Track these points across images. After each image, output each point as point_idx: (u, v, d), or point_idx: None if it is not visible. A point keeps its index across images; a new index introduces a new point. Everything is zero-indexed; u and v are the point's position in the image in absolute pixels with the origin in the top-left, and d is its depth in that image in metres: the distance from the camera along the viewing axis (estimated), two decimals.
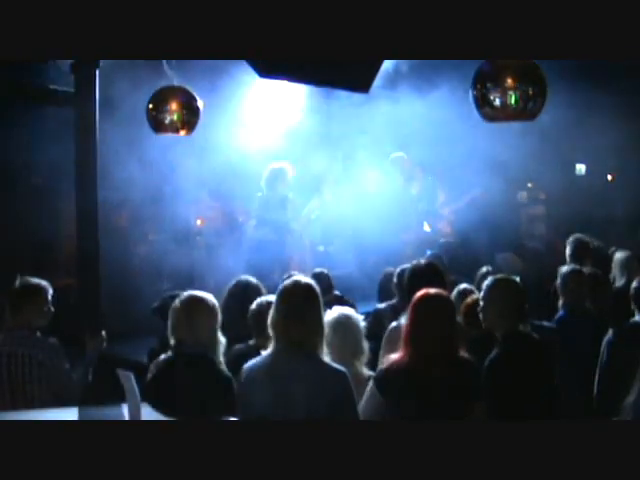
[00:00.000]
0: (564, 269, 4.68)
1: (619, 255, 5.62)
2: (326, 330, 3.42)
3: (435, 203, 8.52)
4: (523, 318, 3.52)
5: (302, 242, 7.64)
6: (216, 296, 3.60)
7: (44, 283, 4.04)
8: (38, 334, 3.86)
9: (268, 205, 7.51)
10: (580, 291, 4.51)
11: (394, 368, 3.16)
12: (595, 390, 3.96)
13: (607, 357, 3.91)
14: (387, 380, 3.14)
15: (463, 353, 3.21)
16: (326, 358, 3.06)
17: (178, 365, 3.27)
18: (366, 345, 3.65)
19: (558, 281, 4.61)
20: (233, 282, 4.55)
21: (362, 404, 3.15)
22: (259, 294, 4.14)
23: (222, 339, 3.37)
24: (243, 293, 4.19)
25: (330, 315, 3.60)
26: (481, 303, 3.61)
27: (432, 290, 3.27)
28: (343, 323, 3.58)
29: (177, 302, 3.40)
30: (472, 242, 7.54)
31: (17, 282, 4.01)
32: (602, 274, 5.20)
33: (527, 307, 3.55)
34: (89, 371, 4.04)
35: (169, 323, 3.39)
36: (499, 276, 3.72)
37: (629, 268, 5.37)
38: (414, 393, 3.06)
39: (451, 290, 4.36)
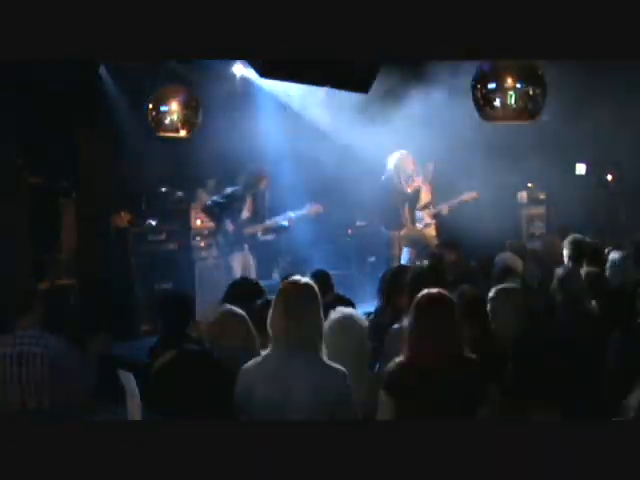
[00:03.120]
0: (561, 269, 4.68)
1: (614, 255, 5.62)
2: (329, 330, 3.43)
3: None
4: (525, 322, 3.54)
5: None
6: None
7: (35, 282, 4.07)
8: (47, 335, 3.86)
9: (235, 204, 7.50)
10: (578, 291, 4.51)
11: (400, 369, 3.16)
12: (601, 390, 3.95)
13: (614, 357, 3.90)
14: (394, 382, 3.13)
15: (467, 352, 3.22)
16: (325, 358, 3.06)
17: (180, 364, 3.27)
18: (369, 345, 3.64)
19: (555, 281, 4.61)
20: (231, 282, 4.55)
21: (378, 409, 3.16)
22: (258, 293, 4.13)
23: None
24: (244, 293, 4.19)
25: (333, 315, 3.60)
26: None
27: (434, 290, 3.27)
28: (346, 323, 3.58)
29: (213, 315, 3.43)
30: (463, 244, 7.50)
31: (16, 282, 4.01)
32: (600, 274, 5.20)
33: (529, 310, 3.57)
34: (92, 371, 4.04)
35: (205, 327, 3.41)
36: (502, 286, 3.77)
37: (624, 268, 5.37)
38: (421, 394, 3.06)
39: (451, 290, 4.36)
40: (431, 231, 8.44)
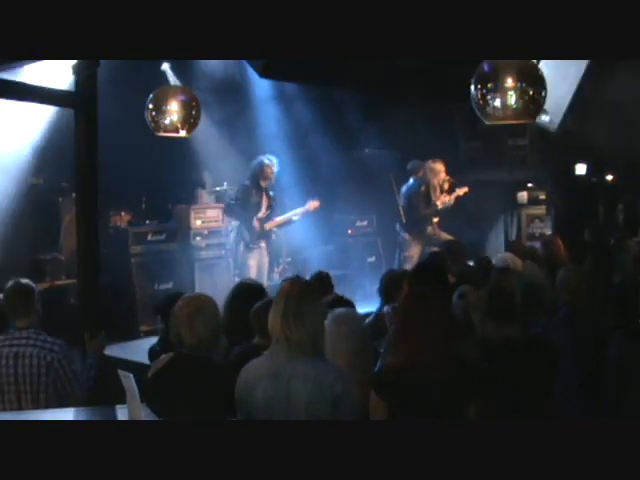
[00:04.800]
0: (563, 269, 4.68)
1: (615, 256, 5.63)
2: (329, 330, 3.43)
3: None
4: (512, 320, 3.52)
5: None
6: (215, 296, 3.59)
7: (32, 283, 4.05)
8: (44, 335, 3.86)
9: (249, 198, 7.56)
10: (579, 290, 4.51)
11: (389, 369, 3.16)
12: (601, 390, 3.95)
13: (615, 357, 3.90)
14: (383, 381, 3.14)
15: (459, 351, 3.23)
16: (326, 358, 3.06)
17: (178, 365, 3.27)
18: (370, 345, 3.64)
19: (557, 281, 4.61)
20: (237, 283, 4.54)
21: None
22: (263, 295, 4.12)
23: (223, 339, 3.36)
24: (247, 294, 4.18)
25: (333, 315, 3.60)
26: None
27: (422, 289, 3.26)
28: (347, 323, 3.58)
29: (177, 303, 3.39)
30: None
31: (14, 283, 4.00)
32: (602, 273, 5.20)
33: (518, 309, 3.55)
34: (92, 372, 4.04)
35: (170, 323, 3.39)
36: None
37: (625, 268, 5.38)
38: (409, 393, 3.06)
39: (453, 290, 4.36)
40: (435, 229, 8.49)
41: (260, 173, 7.55)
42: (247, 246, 7.55)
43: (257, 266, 7.54)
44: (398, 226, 8.38)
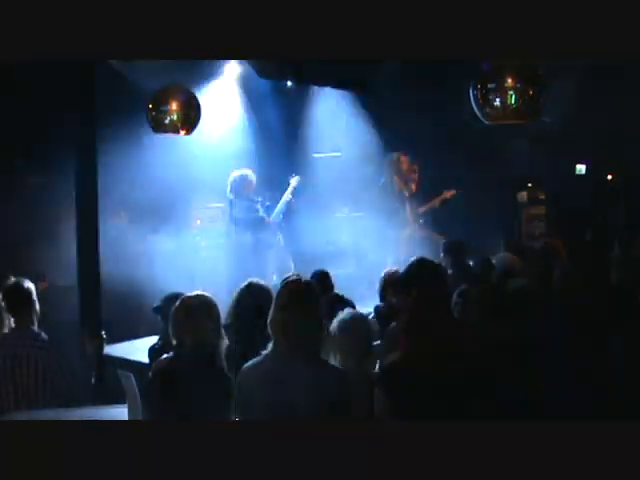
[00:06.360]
0: (561, 269, 4.69)
1: (615, 255, 5.63)
2: (338, 330, 3.44)
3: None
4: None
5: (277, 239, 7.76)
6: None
7: (31, 283, 4.05)
8: (43, 335, 3.86)
9: (238, 209, 7.58)
10: (577, 290, 4.51)
11: (392, 367, 3.17)
12: (600, 391, 3.95)
13: (615, 357, 3.91)
14: (387, 379, 3.15)
15: (460, 349, 3.24)
16: (326, 358, 3.07)
17: (178, 365, 3.27)
18: (375, 345, 3.65)
19: (555, 281, 4.62)
20: (245, 283, 4.53)
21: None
22: (269, 297, 4.11)
23: (224, 339, 3.37)
24: (253, 295, 4.17)
25: (342, 315, 3.61)
26: None
27: (425, 286, 3.27)
28: (353, 323, 3.59)
29: (178, 302, 3.40)
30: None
31: (13, 283, 4.00)
32: (602, 273, 5.20)
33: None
34: (91, 372, 4.05)
35: (170, 323, 3.39)
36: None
37: (622, 267, 5.38)
38: (412, 391, 3.07)
39: (453, 290, 4.37)
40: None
41: (244, 187, 7.56)
42: (268, 243, 7.58)
43: (277, 263, 7.55)
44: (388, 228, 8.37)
